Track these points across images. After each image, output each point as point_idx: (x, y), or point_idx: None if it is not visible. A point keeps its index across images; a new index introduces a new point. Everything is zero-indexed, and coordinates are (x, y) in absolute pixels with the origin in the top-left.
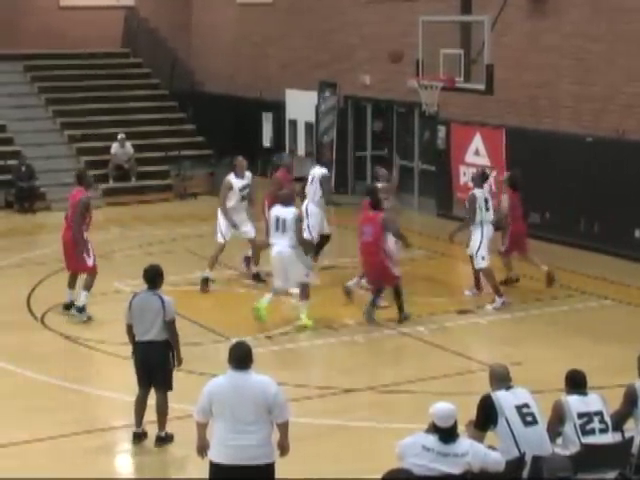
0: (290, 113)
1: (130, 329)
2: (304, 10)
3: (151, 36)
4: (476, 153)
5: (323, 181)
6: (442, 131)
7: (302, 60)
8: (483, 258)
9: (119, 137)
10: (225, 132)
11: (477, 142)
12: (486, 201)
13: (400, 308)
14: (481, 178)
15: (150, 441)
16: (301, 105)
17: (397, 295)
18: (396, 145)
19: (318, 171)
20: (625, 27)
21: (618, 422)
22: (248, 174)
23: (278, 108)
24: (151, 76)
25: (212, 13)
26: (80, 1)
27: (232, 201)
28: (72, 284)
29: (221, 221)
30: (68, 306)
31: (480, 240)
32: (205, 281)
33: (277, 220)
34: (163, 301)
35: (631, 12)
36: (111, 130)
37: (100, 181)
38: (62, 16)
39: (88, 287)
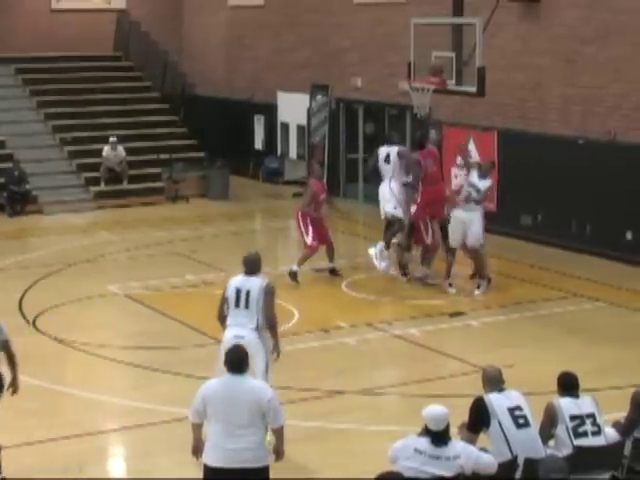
0: (282, 115)
1: None
2: (295, 12)
3: (143, 39)
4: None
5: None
6: (434, 133)
7: (294, 63)
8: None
9: (111, 140)
10: (217, 135)
11: (469, 144)
12: None
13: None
14: (492, 168)
15: (142, 444)
16: (293, 107)
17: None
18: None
19: (393, 149)
20: (616, 29)
21: (628, 429)
22: None
23: (270, 110)
24: (143, 79)
25: (203, 16)
26: (72, 4)
27: None
28: None
29: None
30: None
31: (483, 225)
32: None
33: (238, 292)
34: None
35: (622, 13)
36: (103, 133)
37: (92, 184)
38: (53, 19)
39: None
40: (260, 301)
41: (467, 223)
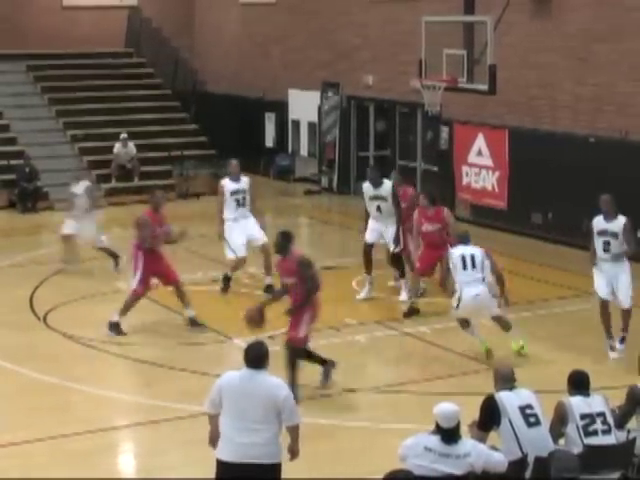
0: (293, 113)
1: None
2: (307, 10)
3: (154, 36)
4: (479, 153)
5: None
6: (445, 131)
7: (305, 60)
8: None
9: (122, 137)
10: (228, 132)
11: (480, 142)
12: None
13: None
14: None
15: (153, 442)
16: (304, 105)
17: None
18: (399, 145)
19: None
20: (627, 27)
21: (621, 421)
22: (245, 178)
23: (281, 108)
24: (154, 76)
25: (215, 13)
26: (83, 1)
27: (228, 208)
28: None
29: (230, 235)
30: None
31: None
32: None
33: (464, 258)
34: None
35: (633, 11)
36: (114, 130)
37: (103, 181)
38: (65, 16)
39: None
40: (486, 263)
41: (613, 275)
